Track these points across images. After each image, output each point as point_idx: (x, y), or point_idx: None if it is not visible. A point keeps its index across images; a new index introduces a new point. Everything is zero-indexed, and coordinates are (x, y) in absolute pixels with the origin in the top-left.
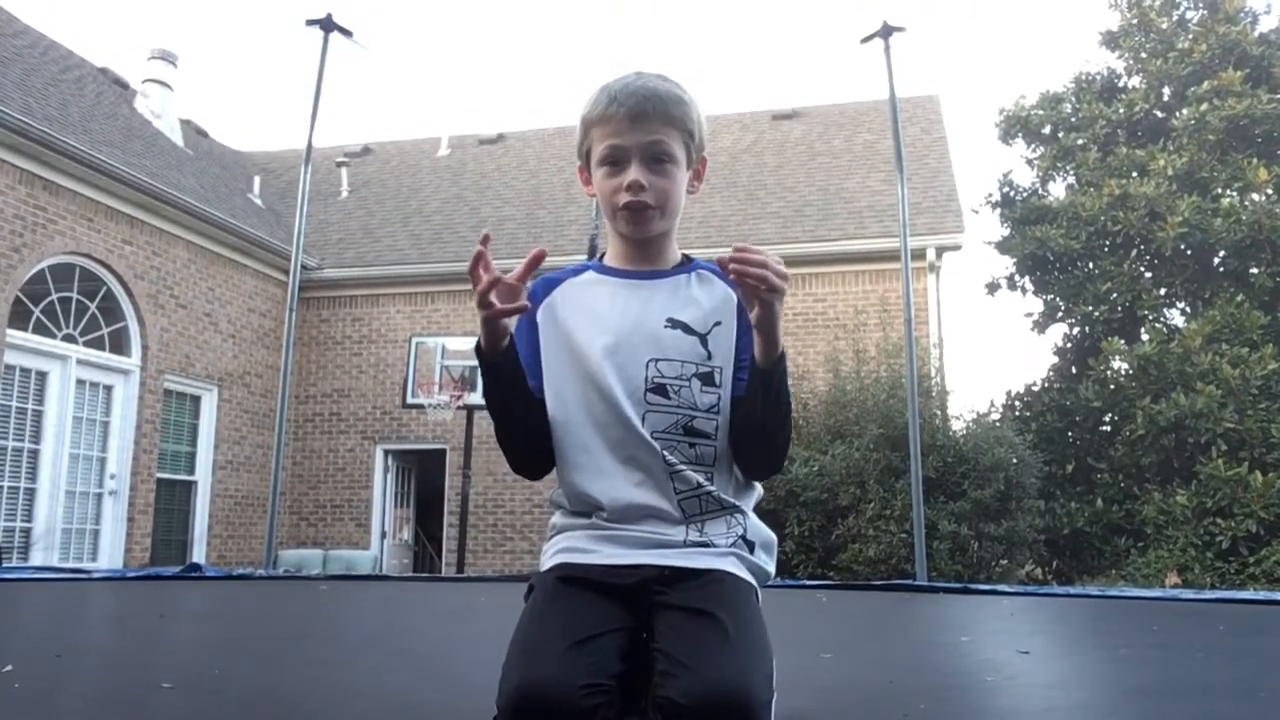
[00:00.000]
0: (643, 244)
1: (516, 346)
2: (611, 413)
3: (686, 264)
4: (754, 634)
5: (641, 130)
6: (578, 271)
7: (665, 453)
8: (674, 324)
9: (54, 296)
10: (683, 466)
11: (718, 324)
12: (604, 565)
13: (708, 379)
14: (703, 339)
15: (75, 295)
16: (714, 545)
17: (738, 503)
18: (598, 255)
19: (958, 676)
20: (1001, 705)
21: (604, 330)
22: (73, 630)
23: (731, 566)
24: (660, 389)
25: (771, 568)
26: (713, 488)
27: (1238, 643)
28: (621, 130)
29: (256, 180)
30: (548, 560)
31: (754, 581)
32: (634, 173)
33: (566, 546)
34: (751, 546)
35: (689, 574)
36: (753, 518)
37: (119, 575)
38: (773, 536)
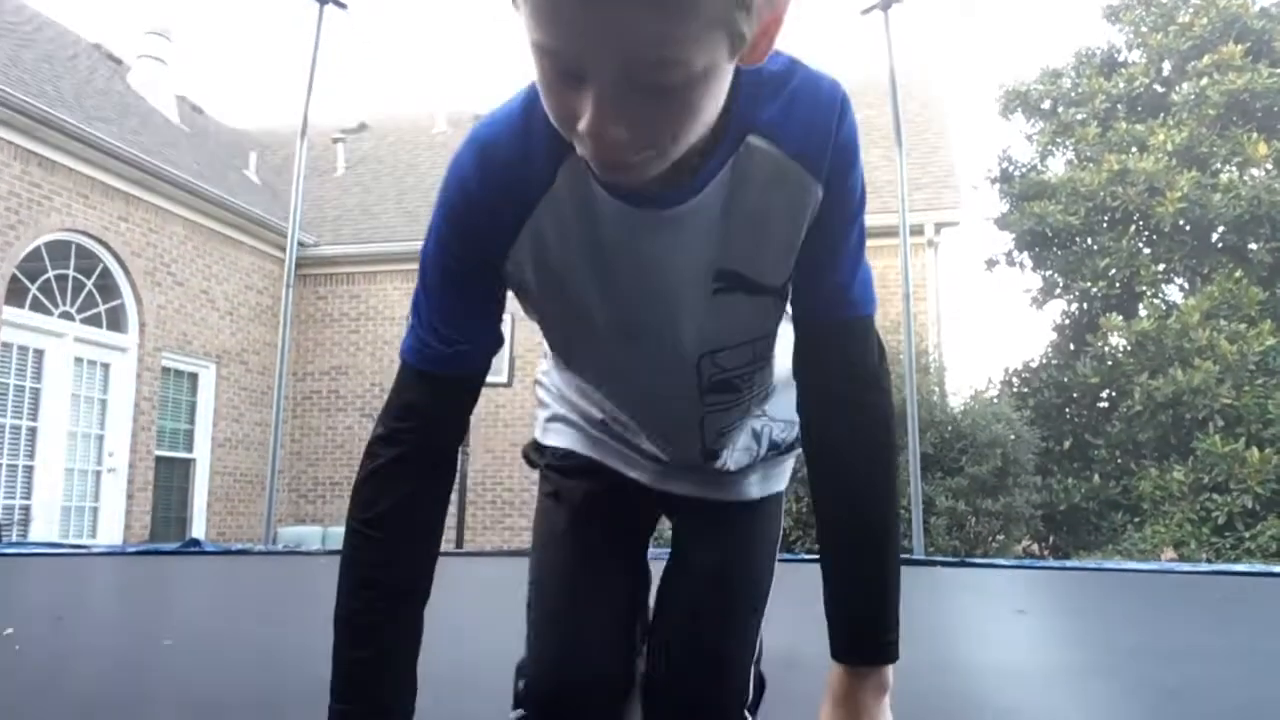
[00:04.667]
0: None
1: (453, 303)
2: (646, 411)
3: (725, 131)
4: (755, 572)
5: (609, 27)
6: (549, 165)
7: (714, 446)
8: (729, 282)
9: (50, 274)
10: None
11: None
12: (628, 477)
13: (780, 306)
14: (778, 289)
15: (72, 273)
16: (738, 475)
17: (766, 411)
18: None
19: (956, 637)
20: (999, 664)
21: (611, 300)
22: (73, 600)
23: (756, 489)
24: (724, 386)
25: (791, 459)
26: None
27: (1233, 611)
28: (566, 20)
29: (253, 157)
30: (551, 435)
31: (779, 489)
32: (595, 114)
33: (577, 434)
34: (780, 447)
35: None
36: (779, 402)
37: (118, 551)
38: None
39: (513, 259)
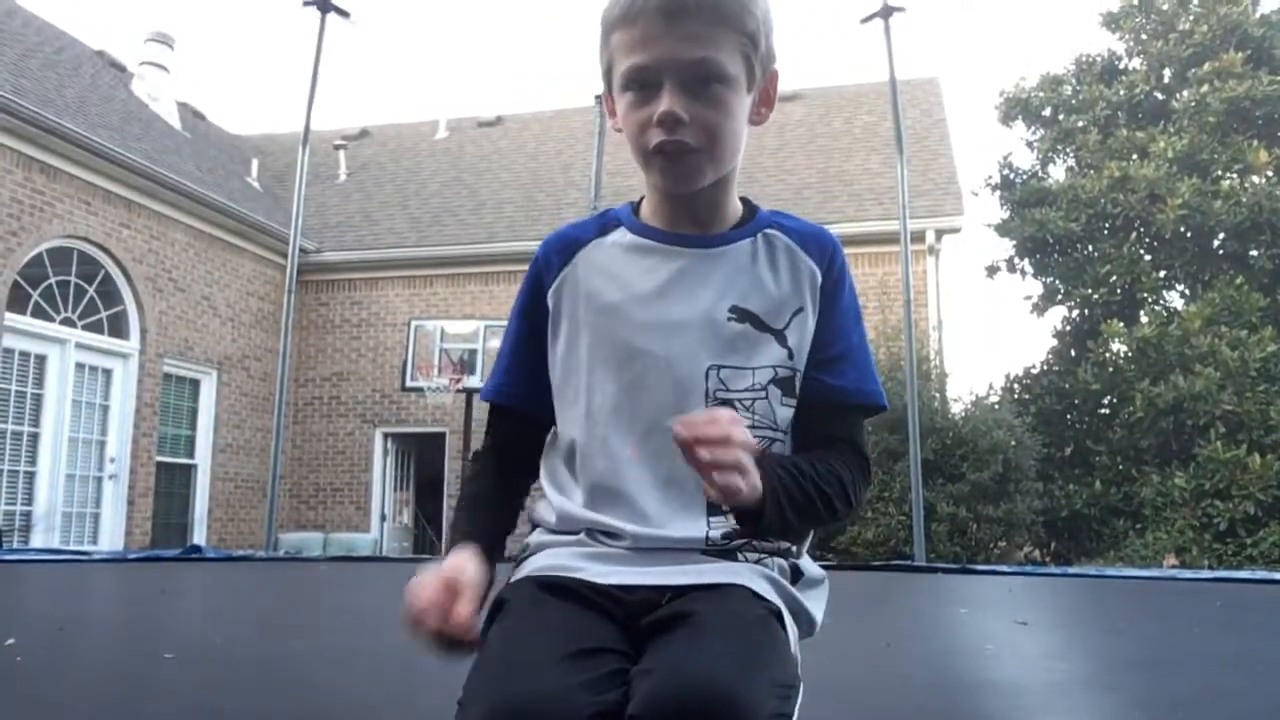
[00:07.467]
0: (690, 197)
1: (509, 355)
2: (653, 434)
3: (750, 219)
4: (751, 641)
5: (679, 38)
6: (604, 226)
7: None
8: (741, 315)
9: (52, 280)
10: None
11: (798, 311)
12: (593, 583)
13: (788, 386)
14: (779, 335)
15: (73, 279)
16: (736, 560)
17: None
18: (632, 204)
19: (956, 645)
20: (1001, 676)
21: (635, 309)
22: (74, 607)
23: (751, 583)
24: (726, 407)
25: (818, 612)
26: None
27: (1235, 618)
28: (651, 37)
29: (254, 163)
30: (518, 576)
31: (779, 604)
32: (668, 100)
33: (546, 565)
34: (795, 575)
35: (691, 588)
36: (803, 559)
37: (120, 557)
38: (822, 573)
39: (557, 286)
